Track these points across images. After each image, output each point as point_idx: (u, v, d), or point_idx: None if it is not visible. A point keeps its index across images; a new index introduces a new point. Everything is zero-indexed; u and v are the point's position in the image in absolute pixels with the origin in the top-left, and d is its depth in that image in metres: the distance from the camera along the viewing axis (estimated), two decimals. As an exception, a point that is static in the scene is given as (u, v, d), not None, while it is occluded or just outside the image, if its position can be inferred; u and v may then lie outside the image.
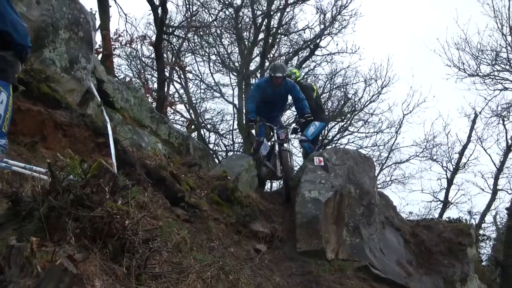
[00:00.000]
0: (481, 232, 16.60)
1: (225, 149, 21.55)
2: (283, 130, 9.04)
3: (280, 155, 8.90)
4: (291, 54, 20.63)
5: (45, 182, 5.42)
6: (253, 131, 10.21)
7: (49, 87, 8.03)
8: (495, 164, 19.85)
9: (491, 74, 15.64)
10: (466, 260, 10.25)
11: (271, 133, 9.18)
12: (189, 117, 22.02)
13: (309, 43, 20.20)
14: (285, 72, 9.03)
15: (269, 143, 9.41)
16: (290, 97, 10.19)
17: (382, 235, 9.68)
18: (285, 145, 9.03)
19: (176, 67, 20.25)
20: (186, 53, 21.58)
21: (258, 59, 20.25)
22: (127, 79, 18.72)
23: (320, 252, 8.58)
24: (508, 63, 15.08)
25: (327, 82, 20.62)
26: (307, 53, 20.32)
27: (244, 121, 18.89)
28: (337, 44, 20.41)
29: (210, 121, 22.22)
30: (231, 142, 21.93)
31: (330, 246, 8.74)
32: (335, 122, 20.62)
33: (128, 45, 19.46)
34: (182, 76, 21.76)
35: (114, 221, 5.14)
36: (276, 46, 20.98)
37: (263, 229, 8.66)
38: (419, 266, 9.75)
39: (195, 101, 21.67)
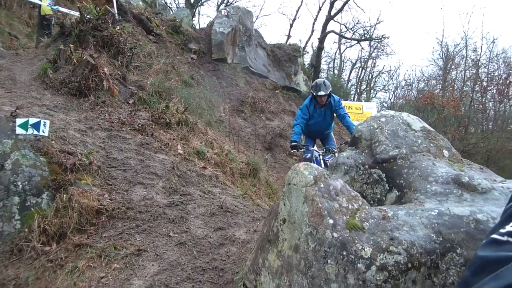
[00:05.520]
0: (305, 50, 18.36)
1: (175, 6, 20.88)
2: (330, 155, 4.98)
3: None
4: None
5: (77, 17, 6.26)
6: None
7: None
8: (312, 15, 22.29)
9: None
10: (297, 63, 11.49)
11: (318, 154, 4.98)
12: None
13: None
14: (328, 90, 4.88)
15: (314, 155, 5.00)
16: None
17: (256, 51, 10.66)
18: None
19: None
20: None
21: None
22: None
23: (224, 59, 9.67)
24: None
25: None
26: None
27: None
28: None
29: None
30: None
31: (229, 56, 9.85)
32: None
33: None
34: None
35: (114, 38, 5.94)
36: None
37: (195, 47, 9.61)
38: (274, 67, 10.94)
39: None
